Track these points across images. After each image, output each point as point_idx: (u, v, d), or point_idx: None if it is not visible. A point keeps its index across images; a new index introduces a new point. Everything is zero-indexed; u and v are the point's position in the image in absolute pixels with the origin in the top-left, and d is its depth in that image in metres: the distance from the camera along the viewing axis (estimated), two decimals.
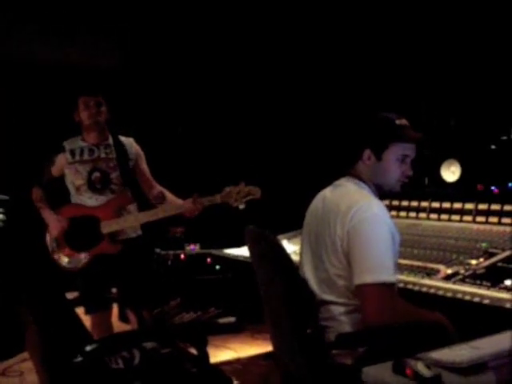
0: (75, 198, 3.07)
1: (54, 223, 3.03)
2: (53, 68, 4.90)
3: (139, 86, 5.10)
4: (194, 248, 4.54)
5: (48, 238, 3.06)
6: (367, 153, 1.97)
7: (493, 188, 2.97)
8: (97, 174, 3.02)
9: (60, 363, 1.74)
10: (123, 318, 4.38)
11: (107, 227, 2.96)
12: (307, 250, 2.03)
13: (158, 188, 3.16)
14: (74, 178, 3.04)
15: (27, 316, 1.73)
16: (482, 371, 1.29)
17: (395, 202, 3.31)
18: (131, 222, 2.99)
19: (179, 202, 3.05)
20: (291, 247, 3.03)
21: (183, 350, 2.16)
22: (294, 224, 2.82)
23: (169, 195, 3.12)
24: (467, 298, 2.03)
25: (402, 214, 3.26)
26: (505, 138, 3.14)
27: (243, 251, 3.28)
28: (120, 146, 3.09)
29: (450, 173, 3.25)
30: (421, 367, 1.28)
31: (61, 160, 3.07)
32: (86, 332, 1.95)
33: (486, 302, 1.97)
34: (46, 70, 4.88)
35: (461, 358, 1.30)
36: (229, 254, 3.55)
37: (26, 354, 3.02)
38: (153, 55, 5.15)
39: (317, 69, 4.81)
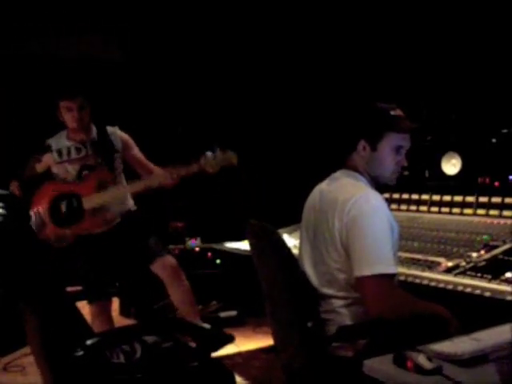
0: None
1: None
2: (53, 62, 4.88)
3: (138, 85, 5.09)
4: (194, 242, 4.53)
5: (32, 217, 3.03)
6: (362, 143, 1.97)
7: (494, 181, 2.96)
8: (86, 173, 3.05)
9: (61, 357, 1.74)
10: (124, 312, 4.40)
11: (89, 202, 2.97)
12: (306, 244, 2.03)
13: (152, 169, 3.16)
14: (65, 177, 3.08)
15: (27, 310, 1.73)
16: (483, 363, 1.29)
17: (396, 195, 3.31)
18: (112, 194, 3.00)
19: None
20: (292, 241, 3.03)
21: (184, 343, 2.16)
22: (294, 217, 2.82)
23: (156, 170, 3.12)
24: (468, 290, 2.03)
25: (403, 207, 3.25)
26: (505, 131, 3.12)
27: (244, 245, 3.27)
28: (105, 140, 3.08)
29: (451, 166, 3.23)
30: (422, 359, 1.28)
31: (48, 159, 3.10)
32: (86, 326, 1.95)
33: (487, 294, 1.96)
34: (46, 64, 4.87)
35: (462, 350, 1.30)
36: (230, 248, 3.55)
37: (27, 349, 3.04)
38: (152, 55, 5.14)
39: (316, 67, 4.78)
